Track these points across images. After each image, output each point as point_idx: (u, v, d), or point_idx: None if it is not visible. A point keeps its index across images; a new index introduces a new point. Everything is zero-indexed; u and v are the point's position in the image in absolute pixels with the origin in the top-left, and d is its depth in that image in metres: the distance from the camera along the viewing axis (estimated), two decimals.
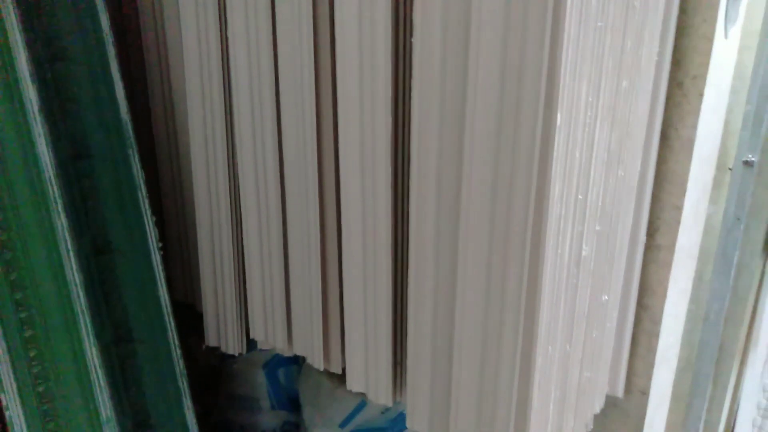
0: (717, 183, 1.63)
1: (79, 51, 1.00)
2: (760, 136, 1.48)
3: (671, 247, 0.90)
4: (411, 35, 0.72)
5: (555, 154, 0.66)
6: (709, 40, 0.80)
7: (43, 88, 0.94)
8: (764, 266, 1.60)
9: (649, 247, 0.92)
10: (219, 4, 0.95)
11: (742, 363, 1.51)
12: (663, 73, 0.82)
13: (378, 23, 0.75)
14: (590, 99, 0.70)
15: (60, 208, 0.90)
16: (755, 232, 1.55)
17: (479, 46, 0.66)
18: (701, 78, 0.82)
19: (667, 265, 0.91)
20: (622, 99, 0.76)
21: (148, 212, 1.06)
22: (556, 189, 0.69)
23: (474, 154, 0.70)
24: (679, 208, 0.88)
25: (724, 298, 1.55)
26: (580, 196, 0.74)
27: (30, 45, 0.92)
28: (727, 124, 1.54)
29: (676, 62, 0.83)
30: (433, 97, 0.71)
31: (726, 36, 0.83)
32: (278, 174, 0.94)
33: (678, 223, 0.89)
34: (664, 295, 0.93)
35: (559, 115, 0.65)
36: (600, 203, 0.79)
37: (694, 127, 0.84)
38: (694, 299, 1.70)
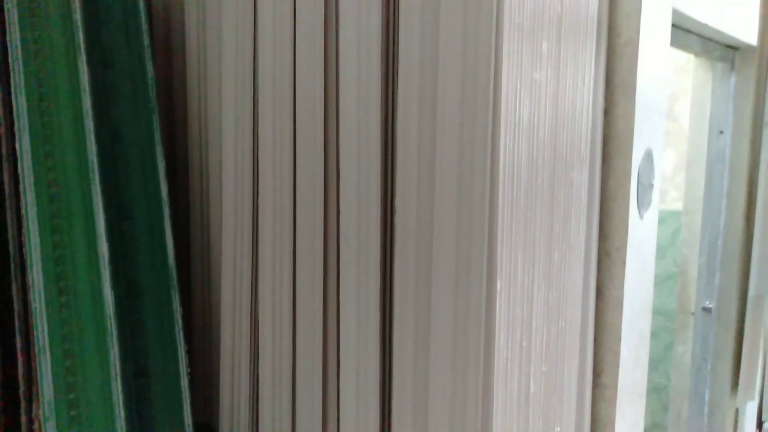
0: (683, 325, 1.80)
1: (142, 212, 1.28)
2: (714, 285, 1.69)
3: (615, 387, 1.07)
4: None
5: (498, 310, 0.88)
6: (625, 221, 1.03)
7: (111, 243, 1.21)
8: (735, 404, 1.73)
9: (596, 385, 1.08)
10: (253, 120, 1.20)
11: None
12: (592, 245, 1.05)
13: (371, 140, 1.00)
14: (526, 268, 0.93)
15: (114, 338, 1.13)
16: (722, 372, 1.70)
17: (440, 246, 0.90)
18: (623, 249, 1.04)
19: (613, 402, 1.07)
20: (555, 267, 0.98)
21: (182, 342, 1.28)
22: (501, 337, 0.89)
23: (439, 309, 0.91)
24: (617, 353, 1.06)
25: None
26: (524, 343, 0.94)
27: (106, 210, 1.21)
28: (685, 273, 1.75)
29: (604, 236, 1.07)
30: (408, 280, 0.95)
31: (641, 217, 1.06)
32: (291, 315, 1.16)
33: (617, 365, 1.06)
34: (613, 430, 1.07)
35: (498, 282, 0.87)
36: (544, 348, 0.98)
37: (622, 287, 1.05)
38: None
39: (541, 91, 0.90)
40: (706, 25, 1.30)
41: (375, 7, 0.93)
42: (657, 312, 2.34)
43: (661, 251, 2.32)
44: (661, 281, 2.33)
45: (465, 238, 0.87)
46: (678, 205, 2.34)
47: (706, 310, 1.64)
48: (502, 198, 0.85)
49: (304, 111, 1.06)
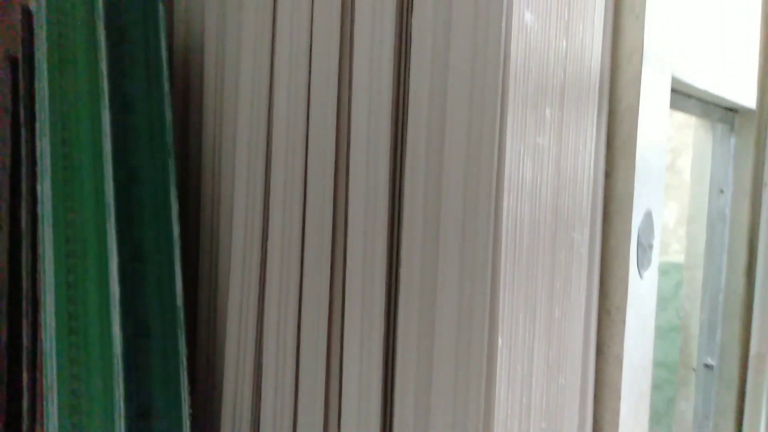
0: (685, 381, 1.80)
1: (154, 253, 1.31)
2: (715, 341, 1.69)
3: None
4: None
5: (498, 367, 0.89)
6: (625, 280, 1.06)
7: (122, 287, 1.24)
8: None
9: None
10: (266, 164, 1.23)
11: None
12: (592, 303, 1.07)
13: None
14: (527, 325, 0.95)
15: (121, 378, 1.14)
16: (724, 431, 1.68)
17: (443, 301, 0.92)
18: (623, 308, 1.06)
19: None
20: (556, 324, 1.00)
21: (185, 382, 1.29)
22: (501, 393, 0.90)
23: (441, 364, 0.93)
24: (617, 411, 1.07)
25: None
26: (524, 399, 0.95)
27: (119, 250, 1.24)
28: (687, 328, 1.75)
29: (604, 294, 1.09)
30: (410, 335, 0.97)
31: (641, 277, 1.09)
32: (294, 363, 1.17)
33: (617, 424, 1.07)
34: None
35: (500, 339, 0.89)
36: (544, 405, 0.99)
37: (622, 345, 1.06)
38: None
39: (544, 154, 0.94)
40: (705, 91, 1.34)
41: (386, 79, 0.98)
42: (659, 364, 2.33)
43: (664, 303, 2.33)
44: (663, 333, 2.33)
45: (467, 295, 0.90)
46: (680, 258, 2.36)
47: (707, 366, 1.64)
48: (504, 256, 0.88)
49: (316, 167, 1.10)
